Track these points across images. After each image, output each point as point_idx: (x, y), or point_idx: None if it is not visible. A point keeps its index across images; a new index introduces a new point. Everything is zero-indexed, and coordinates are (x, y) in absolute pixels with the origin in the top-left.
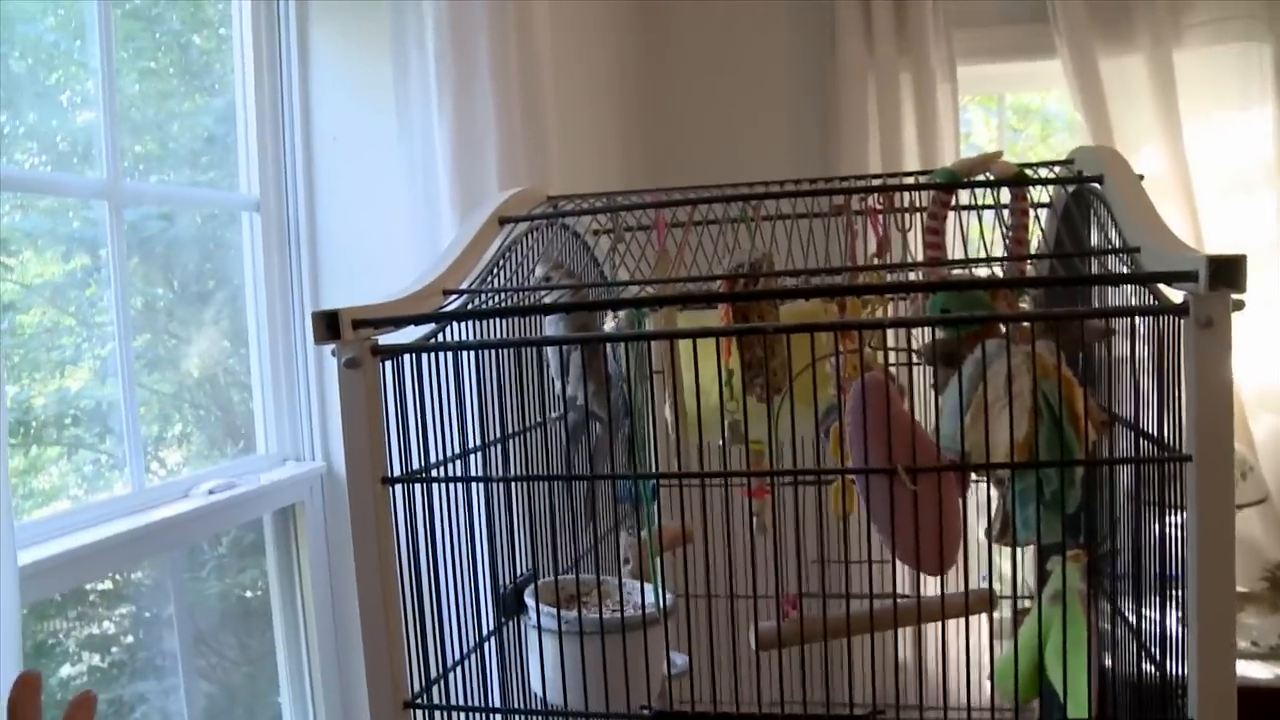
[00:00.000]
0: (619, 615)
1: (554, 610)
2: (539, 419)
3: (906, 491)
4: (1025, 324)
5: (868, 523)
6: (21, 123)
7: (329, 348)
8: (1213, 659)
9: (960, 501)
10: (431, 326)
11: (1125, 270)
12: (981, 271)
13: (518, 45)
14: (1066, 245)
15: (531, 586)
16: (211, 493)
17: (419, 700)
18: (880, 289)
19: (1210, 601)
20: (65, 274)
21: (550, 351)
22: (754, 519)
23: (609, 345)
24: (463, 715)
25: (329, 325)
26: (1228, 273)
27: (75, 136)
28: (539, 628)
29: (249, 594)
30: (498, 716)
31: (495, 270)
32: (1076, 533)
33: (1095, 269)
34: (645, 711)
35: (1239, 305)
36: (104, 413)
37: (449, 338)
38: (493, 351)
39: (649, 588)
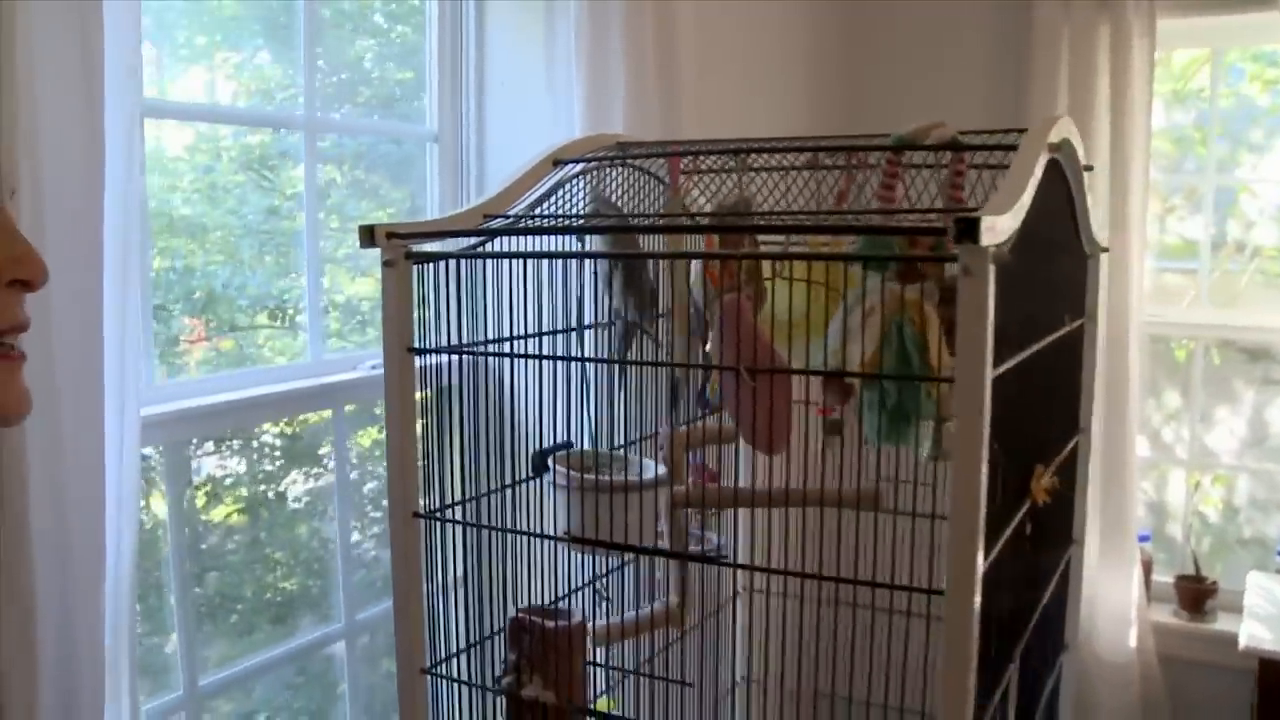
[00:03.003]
0: (613, 479)
1: (565, 470)
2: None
3: (748, 386)
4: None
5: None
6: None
7: None
8: (961, 554)
9: (791, 400)
10: (473, 241)
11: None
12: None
13: (654, 13)
14: None
15: (560, 453)
16: (374, 368)
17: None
18: (763, 230)
19: (961, 494)
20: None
21: (599, 271)
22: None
23: (650, 264)
24: None
25: (369, 236)
26: (968, 230)
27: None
28: (554, 484)
29: None
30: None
31: (544, 202)
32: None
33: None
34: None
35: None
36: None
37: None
38: (536, 265)
39: (650, 463)
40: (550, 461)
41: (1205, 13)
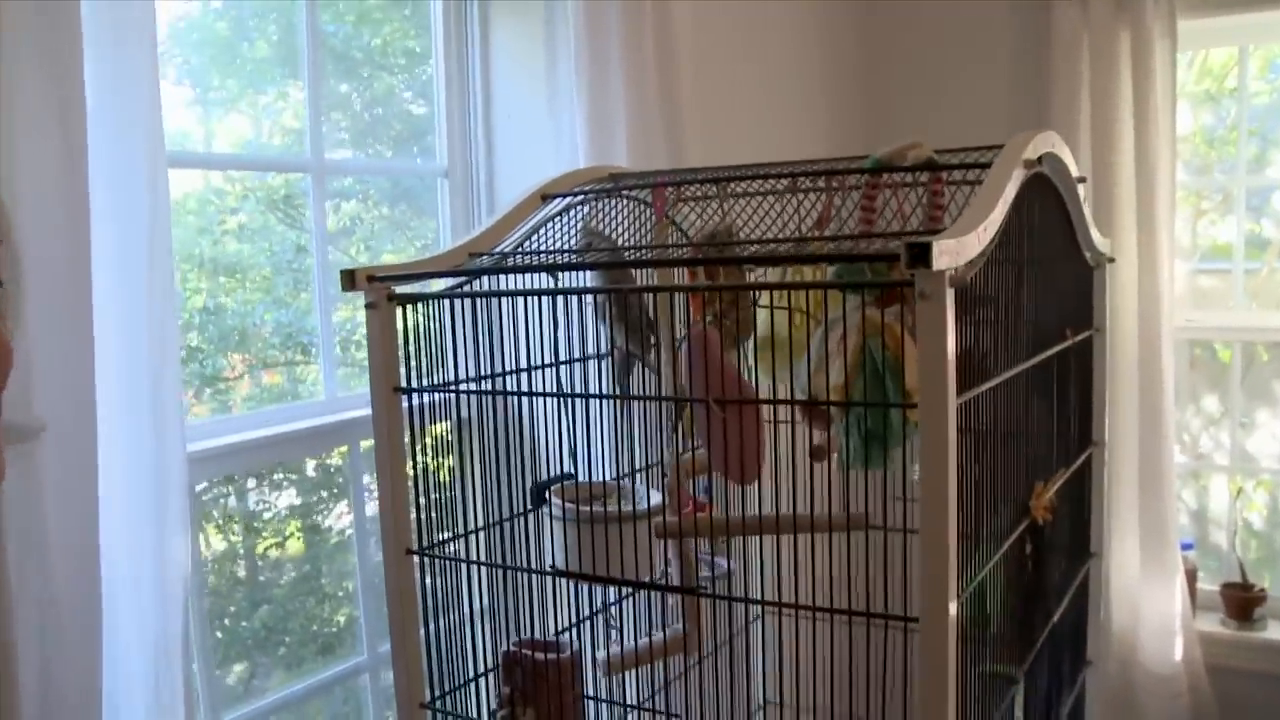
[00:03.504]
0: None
1: (561, 502)
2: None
3: (718, 417)
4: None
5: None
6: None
7: None
8: (932, 586)
9: (764, 430)
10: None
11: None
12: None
13: (654, 39)
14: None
15: (558, 485)
16: None
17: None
18: (727, 261)
19: (931, 526)
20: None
21: (595, 303)
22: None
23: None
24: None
25: (350, 279)
26: (921, 256)
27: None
28: (551, 515)
29: None
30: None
31: (534, 236)
32: None
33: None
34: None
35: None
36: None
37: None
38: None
39: (655, 493)
40: (548, 493)
41: (1228, 11)
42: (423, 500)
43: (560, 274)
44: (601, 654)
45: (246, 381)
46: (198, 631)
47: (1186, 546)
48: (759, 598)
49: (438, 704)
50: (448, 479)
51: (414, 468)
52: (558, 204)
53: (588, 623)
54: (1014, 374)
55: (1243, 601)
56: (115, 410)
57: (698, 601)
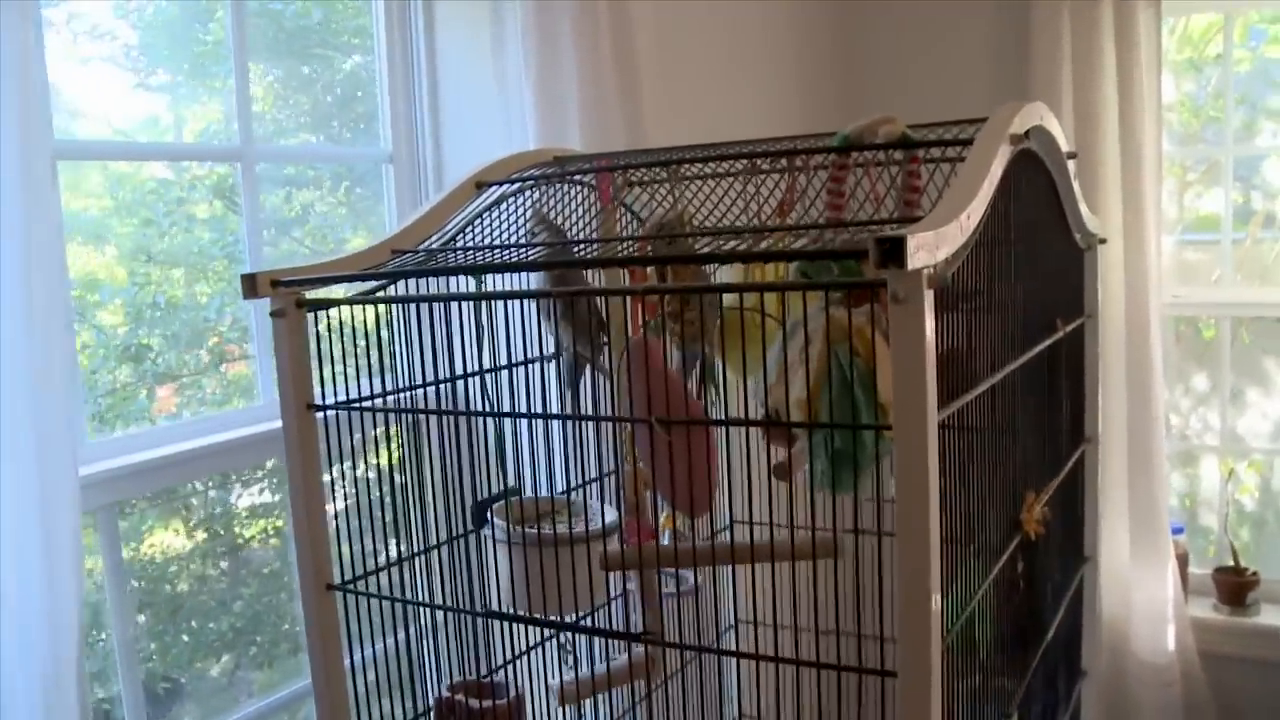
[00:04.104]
0: (549, 531)
1: (502, 524)
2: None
3: (661, 439)
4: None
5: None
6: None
7: None
8: (913, 611)
9: (710, 453)
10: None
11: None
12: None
13: (609, 12)
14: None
15: (500, 504)
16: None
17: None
18: (680, 259)
19: (909, 558)
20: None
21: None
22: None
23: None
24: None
25: (251, 285)
26: (893, 253)
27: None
28: (493, 538)
29: None
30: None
31: (468, 229)
32: None
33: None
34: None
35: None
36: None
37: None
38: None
39: (610, 509)
40: (489, 513)
41: None
42: (349, 525)
43: (489, 275)
44: (554, 682)
45: (215, 380)
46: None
47: (1176, 531)
48: (728, 644)
49: None
50: (380, 498)
51: (340, 487)
52: (493, 192)
53: (538, 649)
54: (1001, 377)
55: (1235, 586)
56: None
57: (660, 619)
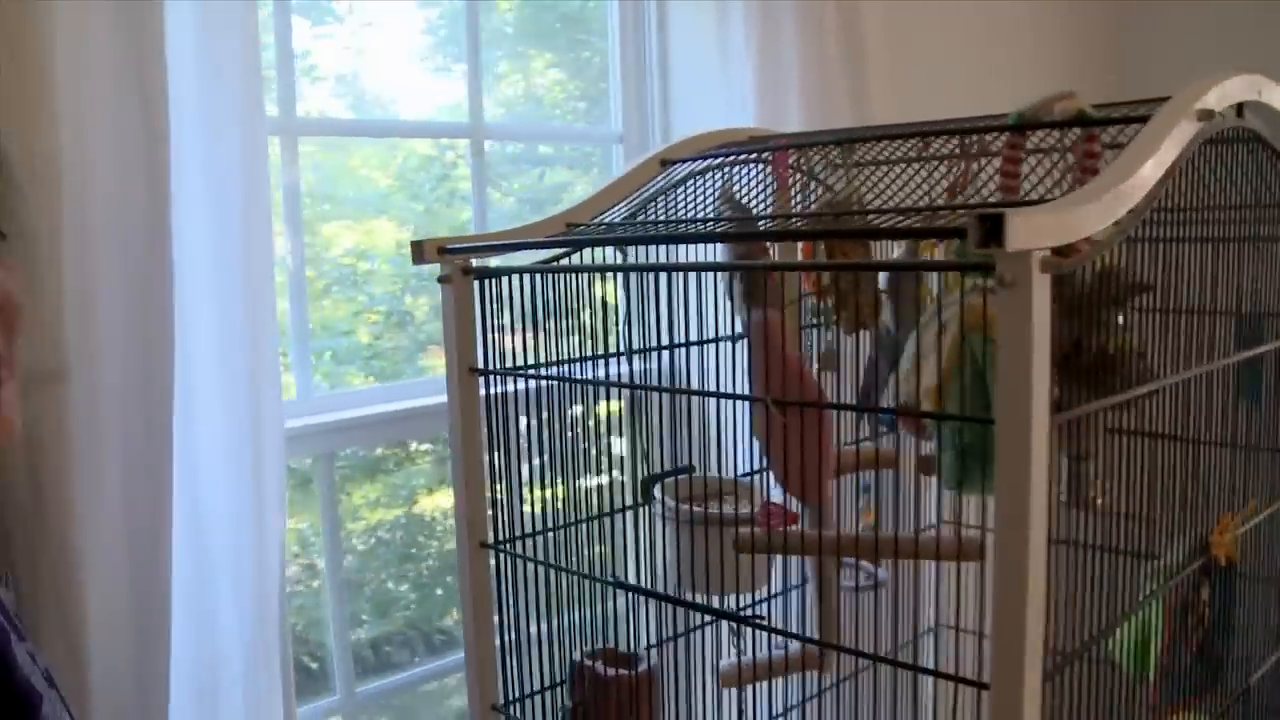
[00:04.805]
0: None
1: (666, 500)
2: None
3: (776, 420)
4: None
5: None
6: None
7: None
8: (1009, 612)
9: (830, 438)
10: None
11: None
12: None
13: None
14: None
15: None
16: None
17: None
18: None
19: (1007, 559)
20: None
21: (721, 278)
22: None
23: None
24: None
25: (419, 251)
26: (993, 231)
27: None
28: (661, 515)
29: None
30: None
31: (651, 205)
32: None
33: None
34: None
35: None
36: None
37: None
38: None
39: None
40: (658, 489)
41: None
42: (505, 493)
43: (657, 247)
44: (724, 662)
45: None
46: (335, 600)
47: None
48: (925, 650)
49: (512, 709)
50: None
51: (502, 455)
52: (678, 170)
53: (699, 631)
54: (1178, 380)
55: None
56: (208, 380)
57: (836, 613)
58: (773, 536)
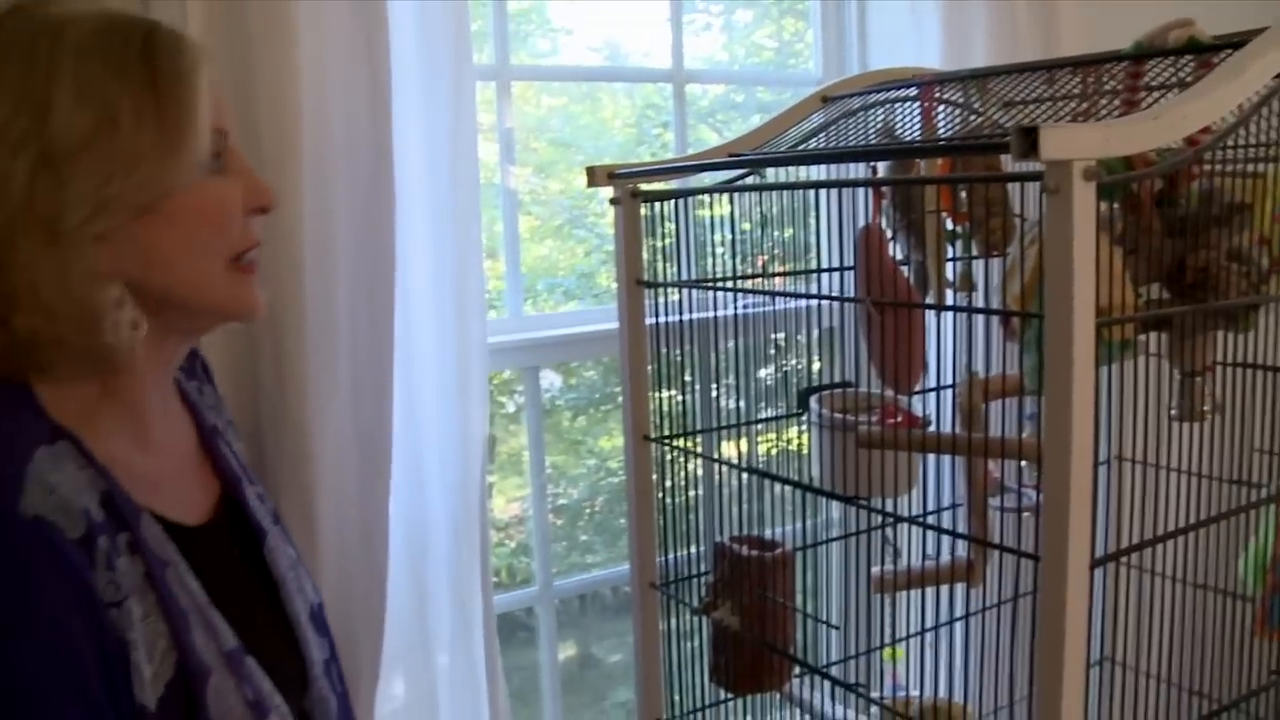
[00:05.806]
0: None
1: (818, 409)
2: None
3: (877, 320)
4: None
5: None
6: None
7: None
8: (1054, 533)
9: (920, 335)
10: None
11: None
12: None
13: None
14: None
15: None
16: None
17: None
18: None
19: (1055, 464)
20: None
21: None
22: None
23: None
24: None
25: (593, 176)
26: (1032, 143)
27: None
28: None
29: None
30: None
31: (810, 141)
32: None
33: None
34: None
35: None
36: None
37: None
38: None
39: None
40: (813, 399)
41: None
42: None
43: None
44: (875, 569)
45: None
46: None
47: None
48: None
49: (670, 589)
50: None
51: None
52: (840, 106)
53: (856, 538)
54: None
55: None
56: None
57: (984, 527)
58: (886, 434)
